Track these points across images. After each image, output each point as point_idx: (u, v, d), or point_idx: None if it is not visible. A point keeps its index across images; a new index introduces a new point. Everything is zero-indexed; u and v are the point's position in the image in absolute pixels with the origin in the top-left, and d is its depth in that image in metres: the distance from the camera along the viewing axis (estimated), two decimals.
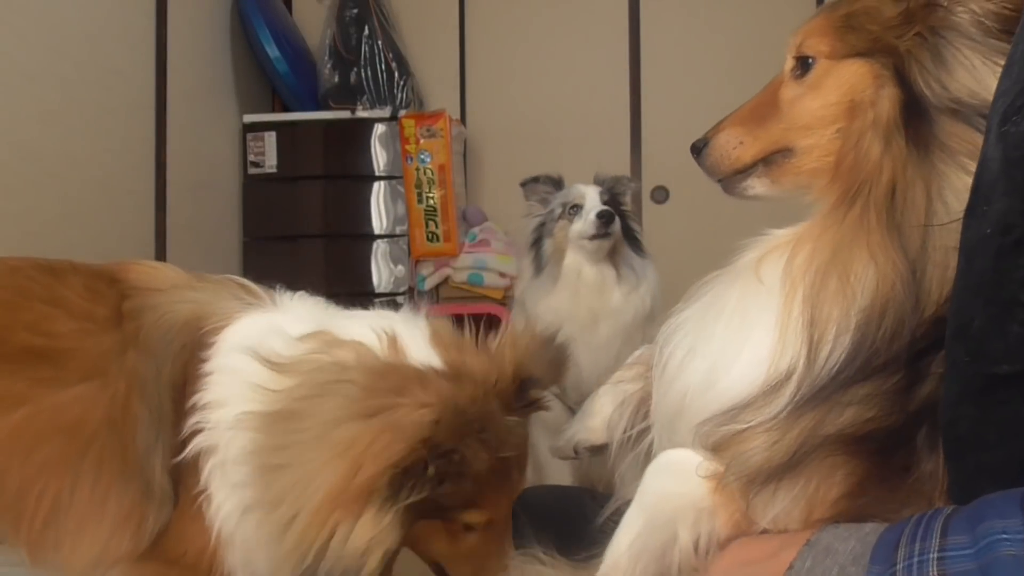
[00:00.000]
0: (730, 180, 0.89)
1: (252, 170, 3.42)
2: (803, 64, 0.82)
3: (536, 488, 1.42)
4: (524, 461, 0.96)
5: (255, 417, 0.88)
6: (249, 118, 3.44)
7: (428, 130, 3.30)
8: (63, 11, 2.48)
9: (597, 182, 2.23)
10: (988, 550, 0.58)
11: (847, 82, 0.77)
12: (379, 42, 3.44)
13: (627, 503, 0.80)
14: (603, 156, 3.61)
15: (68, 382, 0.94)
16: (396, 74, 3.45)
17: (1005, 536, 0.58)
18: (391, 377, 0.87)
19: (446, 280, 3.40)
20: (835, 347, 0.70)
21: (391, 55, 3.46)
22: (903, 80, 0.73)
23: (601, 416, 0.97)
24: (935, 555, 0.61)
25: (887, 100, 0.73)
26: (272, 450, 0.86)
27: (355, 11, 3.46)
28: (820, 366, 0.70)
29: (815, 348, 0.70)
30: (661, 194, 3.62)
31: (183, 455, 0.91)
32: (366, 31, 3.44)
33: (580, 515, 1.00)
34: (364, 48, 3.43)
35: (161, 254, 2.91)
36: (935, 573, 0.60)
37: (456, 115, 3.60)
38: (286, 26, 3.61)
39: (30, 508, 0.93)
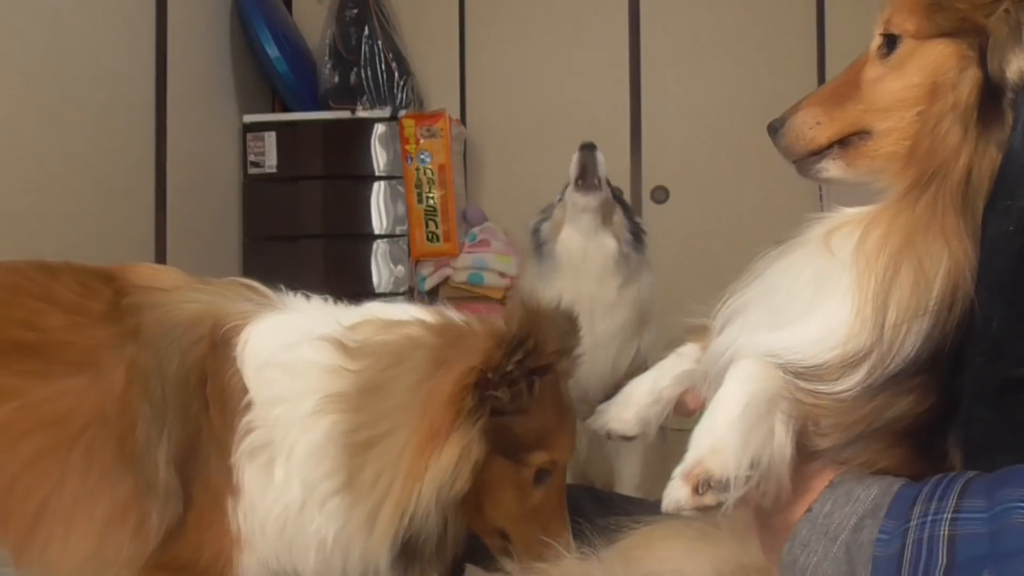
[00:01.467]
0: (805, 162, 0.86)
1: (252, 170, 3.42)
2: (889, 43, 0.78)
3: None
4: (574, 418, 0.99)
5: (338, 399, 0.87)
6: (249, 118, 3.44)
7: (428, 130, 3.30)
8: (63, 11, 2.48)
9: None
10: (1002, 516, 0.58)
11: (931, 63, 0.74)
12: (379, 42, 3.44)
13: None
14: (603, 156, 3.61)
15: (57, 375, 0.92)
16: (396, 74, 3.45)
17: (1021, 504, 0.58)
18: (458, 329, 0.91)
19: (446, 280, 3.39)
20: (910, 334, 0.69)
21: (391, 55, 3.46)
22: (985, 62, 0.71)
23: (636, 409, 0.96)
24: (949, 515, 0.61)
25: (968, 82, 0.71)
26: (362, 427, 0.86)
27: (355, 11, 3.45)
28: (896, 351, 0.69)
29: (891, 333, 0.69)
30: (661, 194, 3.61)
31: (235, 455, 0.89)
32: (366, 31, 3.44)
33: (578, 512, 1.00)
34: (364, 48, 3.43)
35: (161, 254, 2.91)
36: (946, 532, 0.61)
37: (456, 115, 3.60)
38: (286, 26, 3.61)
39: (16, 505, 0.91)
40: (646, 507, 1.06)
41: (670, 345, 0.98)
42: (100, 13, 2.66)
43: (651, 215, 3.60)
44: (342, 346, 0.90)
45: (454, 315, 0.96)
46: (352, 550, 0.88)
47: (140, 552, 0.90)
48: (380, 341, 0.91)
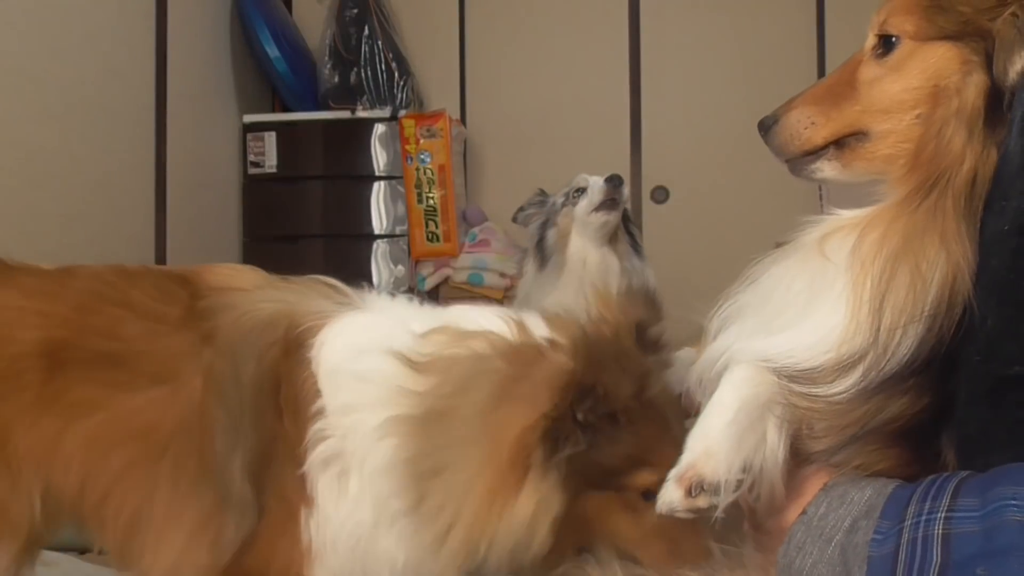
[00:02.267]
0: (798, 161, 0.84)
1: (252, 170, 3.42)
2: (885, 43, 0.77)
3: None
4: (679, 409, 0.89)
5: (402, 422, 0.83)
6: (249, 118, 3.44)
7: (428, 130, 3.30)
8: (63, 11, 2.48)
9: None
10: (995, 514, 0.59)
11: (932, 66, 0.73)
12: (379, 42, 3.44)
13: None
14: (603, 156, 3.61)
15: (140, 386, 0.90)
16: (396, 74, 3.45)
17: (1014, 503, 0.58)
18: (528, 354, 0.84)
19: (446, 280, 3.39)
20: (906, 336, 0.69)
21: (391, 55, 3.46)
22: (991, 67, 0.70)
23: None
24: (943, 514, 0.62)
25: (974, 88, 0.70)
26: (425, 455, 0.81)
27: (355, 11, 3.45)
28: (891, 354, 0.69)
29: (887, 336, 0.69)
30: (661, 194, 3.61)
31: (306, 464, 0.85)
32: (366, 31, 3.44)
33: None
34: (364, 48, 3.43)
35: (161, 254, 2.91)
36: (940, 531, 0.61)
37: (456, 115, 3.60)
38: (286, 26, 3.60)
39: (113, 514, 0.90)
40: None
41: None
42: (100, 13, 2.66)
43: (651, 215, 3.60)
44: (409, 361, 0.85)
45: (531, 325, 0.88)
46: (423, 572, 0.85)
47: (214, 563, 0.88)
48: (449, 356, 0.86)
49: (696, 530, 0.83)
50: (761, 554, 0.79)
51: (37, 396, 0.90)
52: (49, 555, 1.22)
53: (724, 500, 0.69)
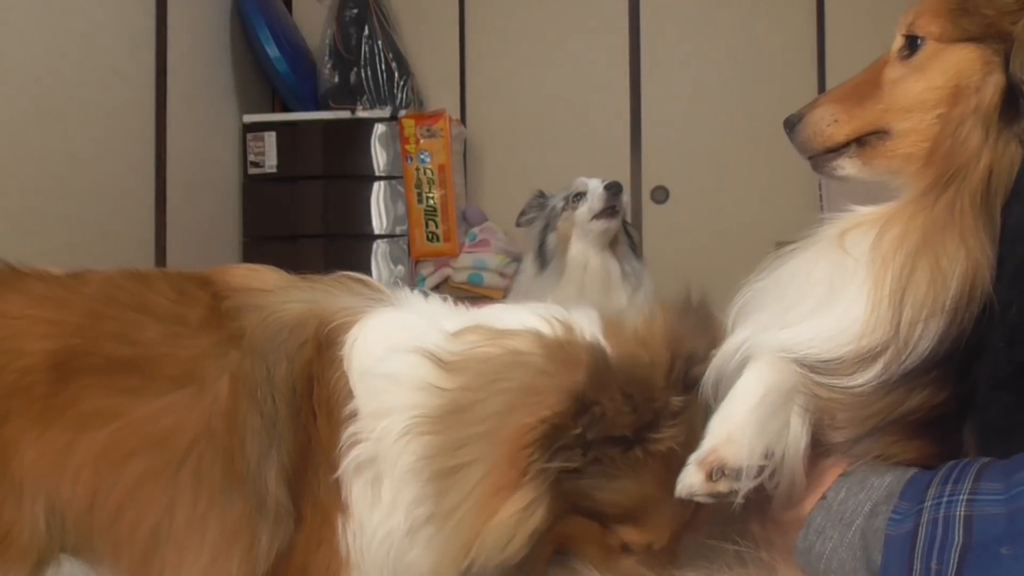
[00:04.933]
0: (821, 158, 0.86)
1: (252, 170, 3.42)
2: (911, 44, 0.79)
3: None
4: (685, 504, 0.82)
5: (426, 420, 0.79)
6: (249, 118, 3.44)
7: (428, 130, 3.30)
8: (63, 11, 2.48)
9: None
10: (1020, 497, 0.59)
11: (955, 66, 0.75)
12: (379, 42, 3.44)
13: None
14: (603, 156, 3.61)
15: (158, 391, 0.85)
16: (396, 74, 3.45)
17: None
18: (567, 353, 0.79)
19: (446, 280, 3.39)
20: (927, 331, 0.69)
21: (391, 55, 3.46)
22: (1009, 67, 0.72)
23: None
24: (965, 497, 0.62)
25: (992, 87, 0.72)
26: (444, 452, 0.78)
27: (355, 11, 3.45)
28: (912, 348, 0.70)
29: (908, 330, 0.70)
30: (661, 194, 3.61)
31: (340, 470, 0.81)
32: (366, 31, 3.44)
33: None
34: (364, 48, 3.43)
35: (161, 254, 2.91)
36: (962, 513, 0.62)
37: (456, 115, 3.60)
38: (286, 26, 3.60)
39: (128, 531, 0.85)
40: None
41: None
42: (100, 13, 2.66)
43: (651, 215, 3.60)
44: (440, 360, 0.81)
45: (581, 326, 0.83)
46: None
47: None
48: (482, 355, 0.81)
49: None
50: (768, 552, 0.79)
51: (44, 408, 0.86)
52: None
53: (745, 486, 0.69)
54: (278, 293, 0.91)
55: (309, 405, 0.85)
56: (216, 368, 0.86)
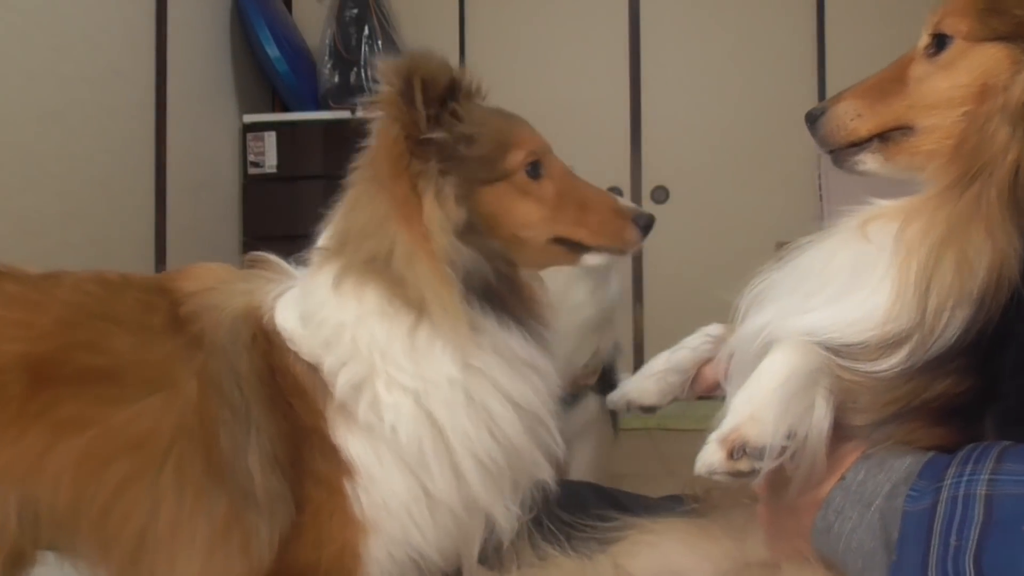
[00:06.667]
0: (842, 152, 0.86)
1: (252, 170, 3.42)
2: (938, 42, 0.80)
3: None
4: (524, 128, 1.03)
5: (347, 283, 0.90)
6: (249, 118, 3.44)
7: None
8: (63, 11, 2.48)
9: None
10: None
11: (982, 65, 0.76)
12: (379, 42, 3.44)
13: None
14: (603, 156, 3.61)
15: (133, 397, 0.88)
16: None
17: None
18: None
19: None
20: (952, 319, 0.70)
21: (391, 55, 3.46)
22: None
23: (655, 379, 0.96)
24: (986, 476, 0.63)
25: (1020, 85, 0.73)
26: (371, 261, 0.90)
27: (355, 11, 3.46)
28: (937, 335, 0.70)
29: (933, 318, 0.70)
30: (661, 194, 3.61)
31: (335, 434, 0.87)
32: (366, 31, 3.44)
33: (581, 508, 1.00)
34: (364, 48, 3.43)
35: (161, 254, 2.91)
36: (983, 492, 0.62)
37: None
38: (286, 26, 3.60)
39: (113, 536, 0.86)
40: (650, 504, 1.07)
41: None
42: (100, 13, 2.66)
43: None
44: (319, 263, 0.94)
45: None
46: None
47: (254, 569, 0.84)
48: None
49: (599, 193, 1.02)
50: (771, 546, 0.79)
51: (20, 411, 0.86)
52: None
53: (767, 465, 0.69)
54: (223, 289, 0.95)
55: (281, 394, 0.88)
56: (185, 371, 0.88)
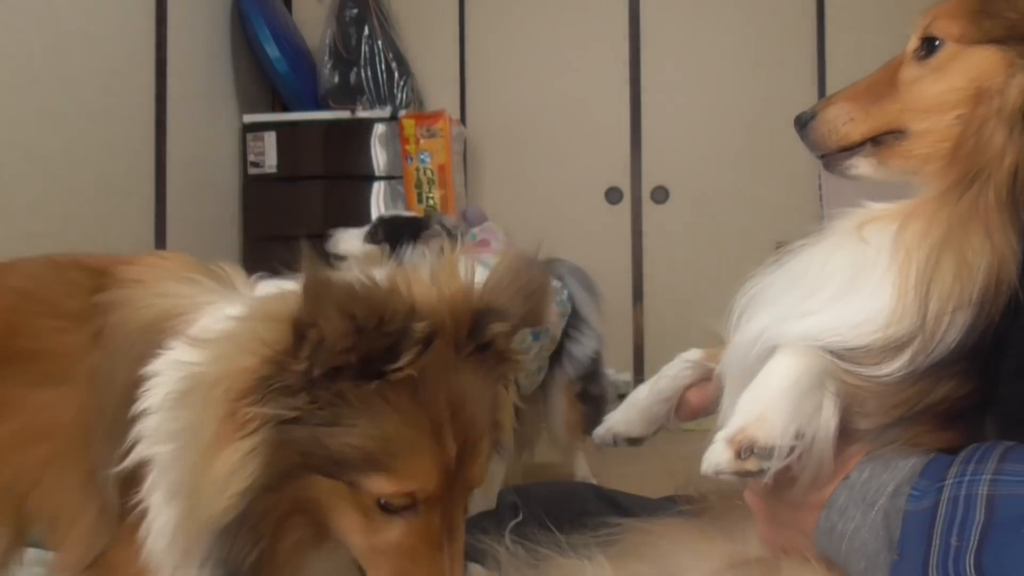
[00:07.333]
0: (834, 157, 0.85)
1: (252, 170, 3.42)
2: (928, 45, 0.79)
3: (539, 483, 1.42)
4: (476, 432, 0.73)
5: (174, 395, 0.75)
6: (249, 118, 3.44)
7: (428, 130, 3.30)
8: (63, 11, 2.48)
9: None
10: None
11: (976, 68, 0.75)
12: (379, 42, 3.44)
13: None
14: (603, 156, 3.61)
15: (47, 383, 0.88)
16: (396, 74, 3.45)
17: None
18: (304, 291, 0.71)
19: None
20: (953, 323, 0.69)
21: (391, 55, 3.46)
22: None
23: (638, 410, 0.96)
24: (988, 476, 0.63)
25: (1015, 88, 0.73)
26: (183, 424, 0.73)
27: (355, 11, 3.46)
28: (938, 340, 0.70)
29: (934, 322, 0.70)
30: (661, 194, 3.61)
31: (123, 468, 0.77)
32: (366, 31, 3.44)
33: (581, 509, 1.00)
34: (364, 48, 3.43)
35: None
36: (984, 492, 0.62)
37: (456, 115, 3.60)
38: (286, 26, 3.61)
39: (38, 512, 0.91)
40: (649, 505, 1.07)
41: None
42: (100, 13, 2.67)
43: (651, 215, 3.60)
44: (194, 340, 0.77)
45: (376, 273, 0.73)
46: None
47: (78, 563, 0.84)
48: (227, 328, 0.76)
49: (434, 562, 0.71)
50: (764, 533, 0.79)
51: None
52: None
53: (775, 466, 0.69)
54: (151, 287, 0.88)
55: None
56: (82, 368, 0.86)
